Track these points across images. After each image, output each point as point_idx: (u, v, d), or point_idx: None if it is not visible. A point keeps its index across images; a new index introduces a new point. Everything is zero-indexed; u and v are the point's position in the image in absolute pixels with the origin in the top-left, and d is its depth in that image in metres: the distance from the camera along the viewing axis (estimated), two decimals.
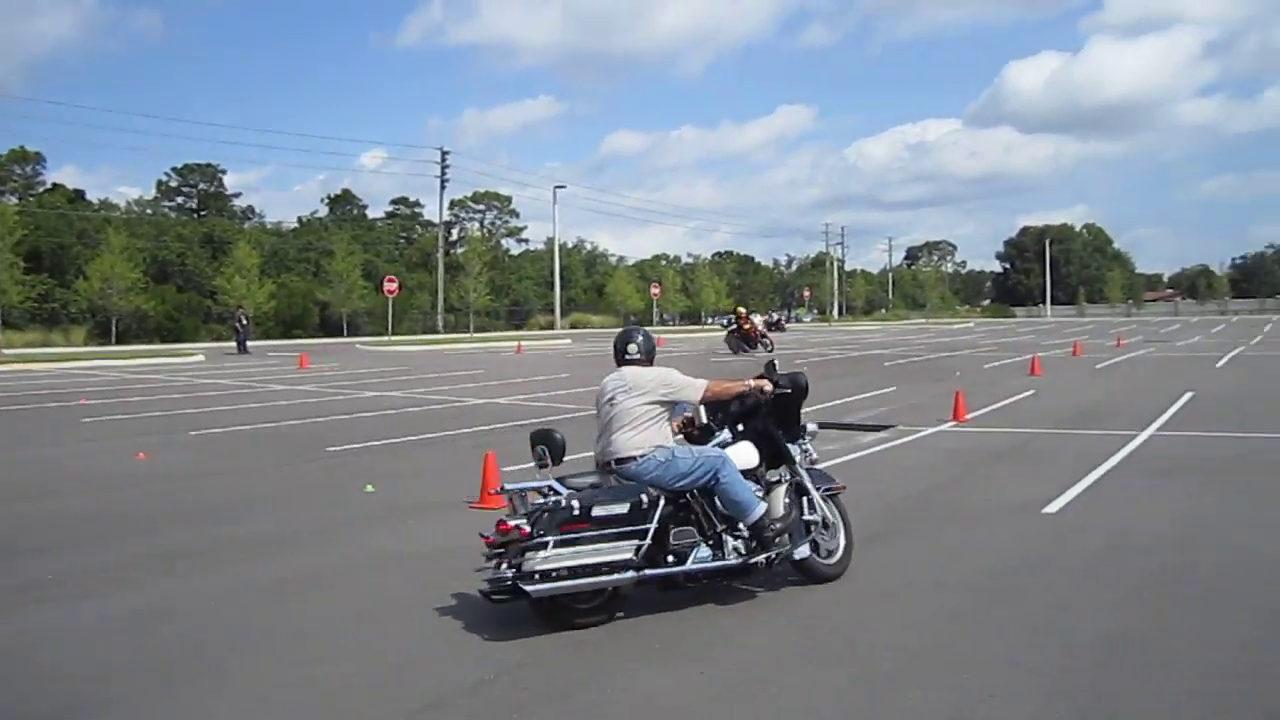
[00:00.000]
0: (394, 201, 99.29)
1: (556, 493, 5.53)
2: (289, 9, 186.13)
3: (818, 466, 6.83)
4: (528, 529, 5.28)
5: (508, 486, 5.65)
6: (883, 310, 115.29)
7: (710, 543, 5.86)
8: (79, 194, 72.37)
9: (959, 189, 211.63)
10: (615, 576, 5.42)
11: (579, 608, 5.48)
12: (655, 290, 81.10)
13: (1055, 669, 4.76)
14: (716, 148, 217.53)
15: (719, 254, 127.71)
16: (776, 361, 6.70)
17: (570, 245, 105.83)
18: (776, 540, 5.92)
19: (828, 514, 6.46)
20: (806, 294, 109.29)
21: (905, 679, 4.67)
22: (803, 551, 6.16)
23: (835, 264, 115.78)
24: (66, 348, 45.71)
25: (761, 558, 5.89)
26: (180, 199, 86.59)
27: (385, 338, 53.04)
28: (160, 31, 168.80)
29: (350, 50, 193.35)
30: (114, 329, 50.96)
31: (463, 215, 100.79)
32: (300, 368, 29.82)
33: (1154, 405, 15.83)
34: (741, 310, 37.58)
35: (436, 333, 65.24)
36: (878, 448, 12.10)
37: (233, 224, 77.89)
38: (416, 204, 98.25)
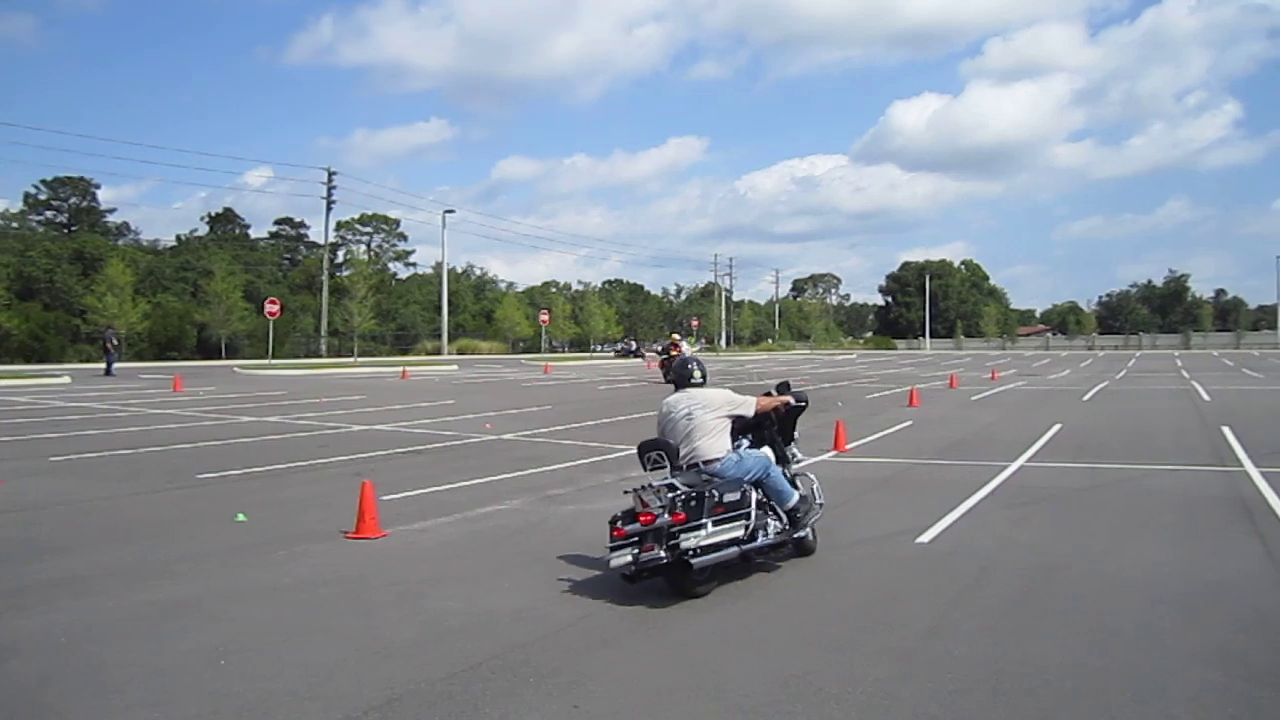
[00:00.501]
0: (278, 222, 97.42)
1: (675, 488, 6.69)
2: (173, 21, 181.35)
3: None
4: (683, 515, 6.47)
5: (654, 483, 6.76)
6: (769, 341, 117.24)
7: None
8: None
9: (844, 223, 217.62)
10: (731, 551, 6.74)
11: (699, 579, 6.64)
12: (544, 317, 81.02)
13: (924, 697, 4.84)
14: (608, 176, 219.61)
15: (609, 282, 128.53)
16: (790, 381, 8.36)
17: (460, 270, 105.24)
18: (804, 521, 7.50)
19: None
20: (695, 323, 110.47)
21: (775, 711, 4.69)
22: (804, 531, 7.60)
23: (723, 294, 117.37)
24: None
25: (794, 535, 7.41)
26: (50, 213, 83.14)
27: (265, 361, 51.58)
28: (33, 37, 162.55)
29: (236, 66, 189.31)
30: None
31: (349, 237, 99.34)
32: (174, 391, 28.79)
33: (1025, 437, 16.38)
34: (675, 337, 36.99)
35: (319, 357, 63.81)
36: None
37: (106, 240, 75.09)
38: (301, 225, 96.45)
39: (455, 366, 53.56)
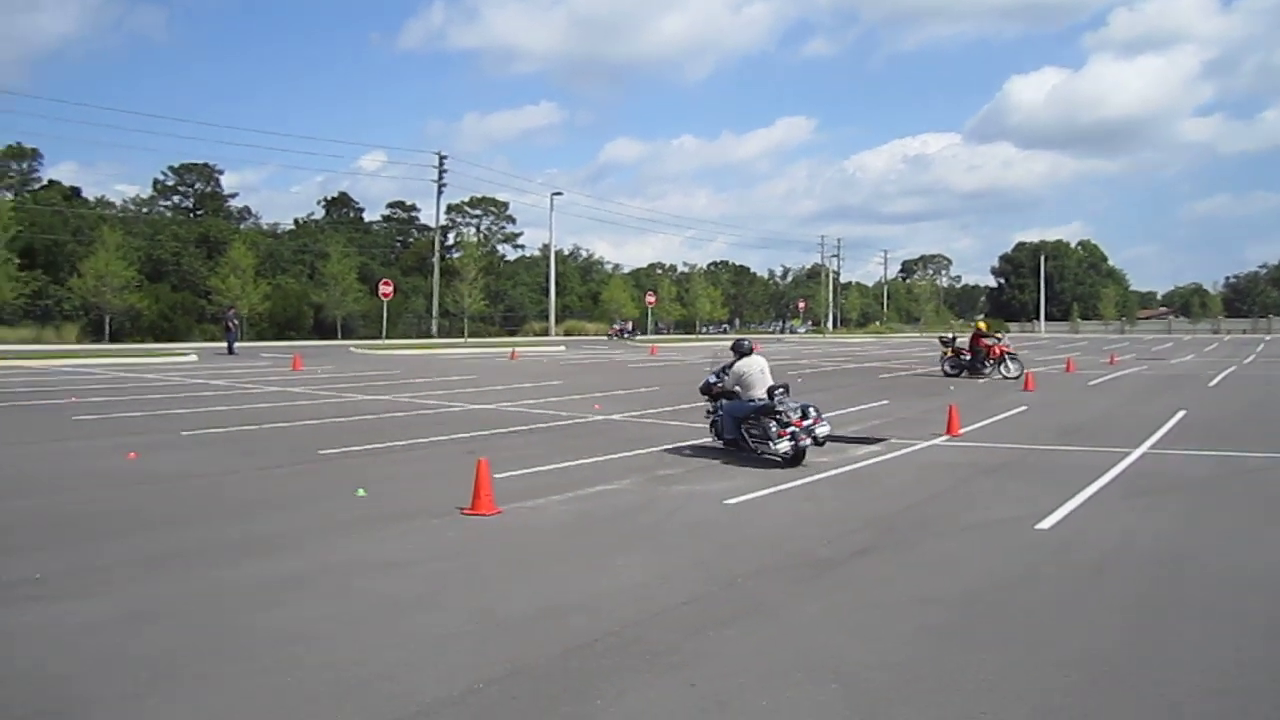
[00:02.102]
0: (390, 205, 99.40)
1: (805, 406, 11.85)
2: (291, 9, 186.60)
3: None
4: (817, 418, 11.64)
5: (807, 409, 11.76)
6: (877, 323, 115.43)
7: None
8: (75, 191, 72.16)
9: (956, 203, 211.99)
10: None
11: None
12: (650, 299, 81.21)
13: (1044, 688, 4.72)
14: (716, 157, 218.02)
15: (715, 263, 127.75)
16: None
17: (567, 252, 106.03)
18: None
19: None
20: (801, 306, 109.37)
21: (894, 697, 4.64)
22: None
23: (831, 276, 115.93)
24: (59, 345, 45.46)
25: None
26: (177, 198, 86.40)
27: (379, 341, 52.89)
28: (163, 30, 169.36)
29: (351, 52, 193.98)
30: (107, 327, 50.81)
31: (459, 220, 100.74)
32: (294, 369, 29.73)
33: (1147, 423, 15.84)
34: (982, 325, 29.65)
35: (430, 337, 65.12)
36: (869, 461, 12.09)
37: (228, 224, 77.75)
38: (413, 208, 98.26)
39: (563, 347, 54.10)
